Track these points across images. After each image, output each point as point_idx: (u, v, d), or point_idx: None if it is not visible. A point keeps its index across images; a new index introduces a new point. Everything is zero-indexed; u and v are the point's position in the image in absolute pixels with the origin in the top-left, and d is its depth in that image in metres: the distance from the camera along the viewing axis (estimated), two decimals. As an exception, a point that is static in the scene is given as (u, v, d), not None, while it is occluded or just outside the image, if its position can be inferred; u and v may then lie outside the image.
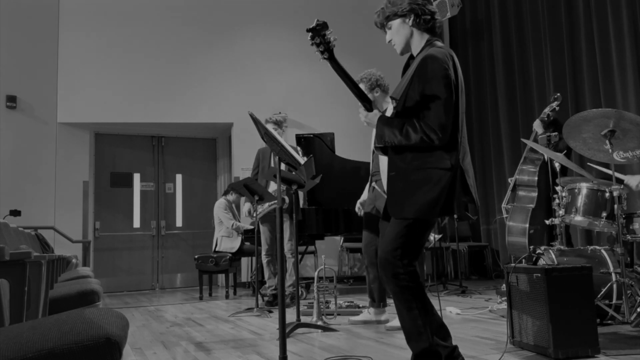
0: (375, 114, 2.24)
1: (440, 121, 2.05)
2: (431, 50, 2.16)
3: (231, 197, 6.68)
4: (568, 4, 6.32)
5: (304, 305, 4.46)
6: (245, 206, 5.32)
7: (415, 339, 2.10)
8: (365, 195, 4.05)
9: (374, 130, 2.27)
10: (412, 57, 2.31)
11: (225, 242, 6.40)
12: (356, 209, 4.15)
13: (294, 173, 3.90)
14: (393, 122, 2.16)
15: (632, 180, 3.57)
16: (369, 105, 2.27)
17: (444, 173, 2.08)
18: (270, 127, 5.06)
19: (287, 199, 4.71)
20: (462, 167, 2.14)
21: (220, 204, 6.54)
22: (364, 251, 3.92)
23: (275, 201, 4.65)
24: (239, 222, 6.61)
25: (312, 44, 2.18)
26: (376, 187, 3.84)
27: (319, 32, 2.15)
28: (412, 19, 2.23)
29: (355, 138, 7.42)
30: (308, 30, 2.16)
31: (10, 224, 3.16)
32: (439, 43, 2.24)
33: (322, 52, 2.18)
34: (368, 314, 3.90)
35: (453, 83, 2.11)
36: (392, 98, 2.27)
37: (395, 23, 2.27)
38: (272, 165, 5.16)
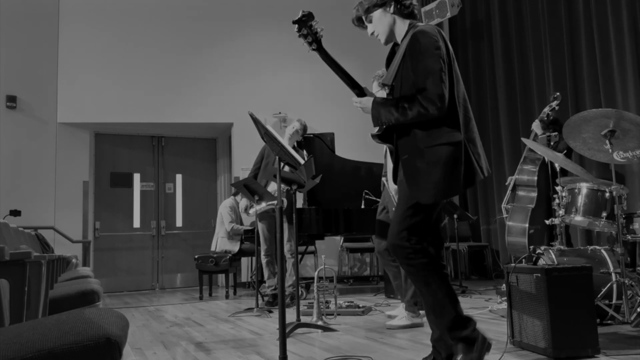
0: (369, 98, 2.22)
1: (437, 91, 2.04)
2: (419, 27, 2.16)
3: (240, 198, 6.64)
4: (568, 4, 6.32)
5: (304, 305, 4.46)
6: (242, 202, 5.31)
7: (439, 314, 2.12)
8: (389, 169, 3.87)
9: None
10: (396, 45, 2.30)
11: (223, 243, 6.39)
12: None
13: (293, 173, 3.90)
14: (388, 101, 2.16)
15: None
16: (360, 92, 2.25)
17: (456, 149, 2.08)
18: (297, 125, 5.07)
19: (285, 201, 4.70)
20: (468, 136, 2.14)
21: (227, 203, 6.54)
22: (379, 256, 3.92)
23: (273, 200, 4.67)
24: (242, 224, 6.60)
25: (299, 36, 2.17)
26: (386, 184, 3.82)
27: (305, 23, 2.14)
28: (392, 6, 2.22)
29: (355, 138, 7.42)
30: (294, 22, 2.14)
31: (10, 224, 3.16)
32: (420, 24, 2.23)
33: (310, 44, 2.17)
34: (407, 318, 3.64)
35: (445, 55, 2.11)
36: (383, 85, 2.26)
37: (377, 14, 2.25)
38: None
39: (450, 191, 2.11)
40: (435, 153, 2.08)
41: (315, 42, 2.17)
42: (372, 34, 2.31)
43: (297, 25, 2.15)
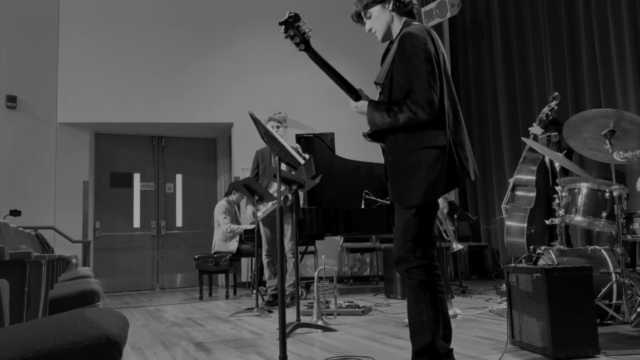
0: (364, 102, 2.22)
1: (426, 96, 2.04)
2: (407, 29, 2.16)
3: (233, 197, 6.66)
4: (568, 4, 6.31)
5: (304, 305, 4.46)
6: (248, 209, 5.30)
7: (418, 334, 2.06)
8: None
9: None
10: (391, 43, 2.30)
11: (221, 245, 6.39)
12: None
13: (293, 173, 3.90)
14: (381, 105, 2.16)
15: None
16: (355, 95, 2.24)
17: (440, 152, 2.08)
18: (273, 124, 5.05)
19: (290, 197, 4.70)
20: (456, 139, 2.14)
21: (219, 207, 6.53)
22: None
23: (275, 200, 4.66)
24: (239, 223, 6.60)
25: (286, 37, 2.15)
26: None
27: (292, 25, 2.13)
28: (392, 3, 2.23)
29: (355, 138, 7.38)
30: (281, 24, 2.12)
31: (10, 224, 3.16)
32: (415, 22, 2.23)
33: (297, 44, 2.16)
34: None
35: (434, 57, 2.10)
36: (375, 84, 2.26)
37: (375, 10, 2.25)
38: (273, 165, 5.16)
39: (432, 194, 2.08)
40: (418, 156, 2.08)
41: (303, 42, 2.16)
42: (370, 30, 2.30)
43: (283, 27, 2.13)
